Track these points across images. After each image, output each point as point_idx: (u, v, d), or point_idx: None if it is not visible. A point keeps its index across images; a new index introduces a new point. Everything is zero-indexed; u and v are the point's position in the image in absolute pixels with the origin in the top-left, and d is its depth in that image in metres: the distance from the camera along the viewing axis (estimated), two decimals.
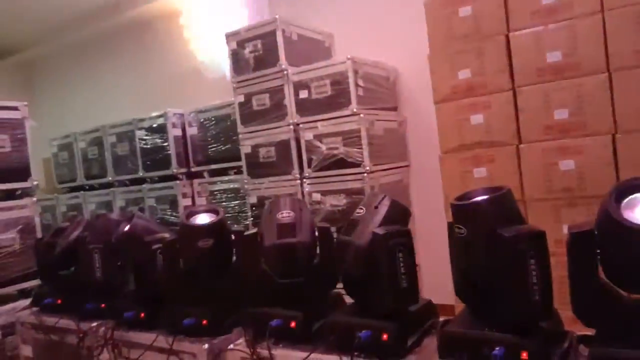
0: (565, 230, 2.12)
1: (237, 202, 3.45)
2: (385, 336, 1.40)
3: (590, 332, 1.16)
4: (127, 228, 2.07)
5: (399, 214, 1.51)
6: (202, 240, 1.83)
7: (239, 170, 3.39)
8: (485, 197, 1.24)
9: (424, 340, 1.46)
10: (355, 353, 1.40)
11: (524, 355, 1.14)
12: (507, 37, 2.42)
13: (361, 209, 1.53)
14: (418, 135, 3.31)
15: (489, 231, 1.19)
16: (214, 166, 3.62)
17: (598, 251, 1.09)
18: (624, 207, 1.04)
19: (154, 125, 3.68)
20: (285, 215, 1.67)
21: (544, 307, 1.15)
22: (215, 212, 1.94)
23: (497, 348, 1.17)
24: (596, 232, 1.09)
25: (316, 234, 1.68)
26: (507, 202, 1.24)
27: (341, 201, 2.89)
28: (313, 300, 1.66)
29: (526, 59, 2.36)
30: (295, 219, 1.64)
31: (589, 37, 2.21)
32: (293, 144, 3.02)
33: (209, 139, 3.63)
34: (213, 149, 3.61)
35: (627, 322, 1.08)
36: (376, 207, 1.50)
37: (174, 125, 3.64)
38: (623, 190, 1.07)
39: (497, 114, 2.46)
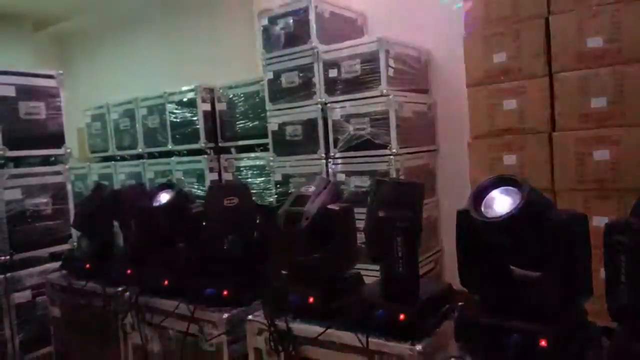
0: (595, 222, 2.07)
1: (262, 179, 3.48)
2: (402, 317, 1.40)
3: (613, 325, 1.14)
4: (166, 199, 2.12)
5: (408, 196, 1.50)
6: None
7: (265, 148, 3.40)
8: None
9: (441, 324, 1.46)
10: (372, 332, 1.41)
11: (543, 342, 1.13)
12: (546, 20, 2.32)
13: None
14: (447, 120, 3.25)
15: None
16: (241, 142, 3.65)
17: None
18: None
19: (184, 100, 3.72)
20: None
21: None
22: (241, 186, 1.96)
23: (516, 335, 1.16)
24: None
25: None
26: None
27: (365, 182, 2.88)
28: (332, 278, 1.67)
29: (565, 43, 2.27)
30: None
31: (633, 22, 2.11)
32: (320, 123, 3.00)
33: (237, 115, 3.64)
34: (241, 125, 3.63)
35: None
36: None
37: (203, 100, 3.66)
38: None
39: (532, 100, 2.39)
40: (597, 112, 2.21)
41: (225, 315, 1.74)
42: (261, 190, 3.45)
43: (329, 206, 1.63)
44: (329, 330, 1.50)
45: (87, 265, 2.43)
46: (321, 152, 3.01)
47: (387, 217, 1.45)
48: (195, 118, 3.67)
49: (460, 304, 1.41)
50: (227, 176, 3.66)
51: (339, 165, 2.96)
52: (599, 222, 2.06)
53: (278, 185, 3.22)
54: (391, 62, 2.84)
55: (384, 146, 2.80)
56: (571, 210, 1.23)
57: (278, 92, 3.18)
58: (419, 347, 1.34)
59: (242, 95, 3.60)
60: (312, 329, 1.53)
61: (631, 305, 1.02)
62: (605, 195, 2.18)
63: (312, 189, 1.73)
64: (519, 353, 1.13)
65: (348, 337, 1.46)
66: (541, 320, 1.16)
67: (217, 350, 1.75)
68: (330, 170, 3.00)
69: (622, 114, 2.17)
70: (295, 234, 1.63)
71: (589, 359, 1.13)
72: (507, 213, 1.16)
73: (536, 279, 1.22)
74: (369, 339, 1.41)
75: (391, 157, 2.78)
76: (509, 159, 2.46)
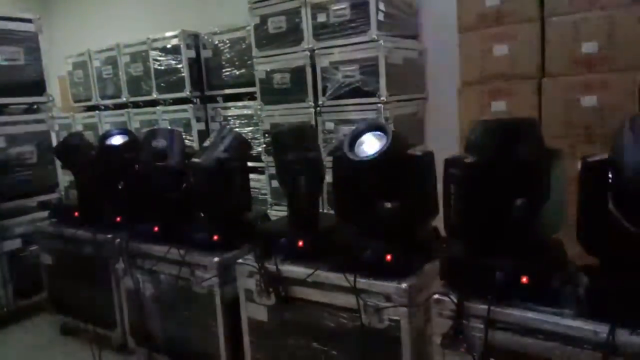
0: (579, 167, 2.10)
1: (250, 128, 3.45)
2: (389, 257, 1.44)
3: (592, 262, 1.18)
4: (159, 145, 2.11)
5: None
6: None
7: (252, 97, 3.35)
8: None
9: (427, 263, 1.50)
10: (359, 272, 1.45)
11: (524, 279, 1.17)
12: None
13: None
14: (438, 67, 3.20)
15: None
16: (228, 91, 3.58)
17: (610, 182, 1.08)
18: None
19: (168, 46, 3.61)
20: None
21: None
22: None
23: (499, 272, 1.19)
24: (610, 162, 1.07)
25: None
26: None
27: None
28: (321, 221, 1.69)
29: None
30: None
31: None
32: (308, 70, 2.95)
33: (224, 63, 3.56)
34: (227, 73, 3.56)
35: (631, 254, 1.08)
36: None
37: (188, 47, 3.56)
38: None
39: (523, 45, 2.36)
40: (587, 57, 2.20)
41: (216, 259, 1.77)
42: (250, 140, 3.42)
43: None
44: (317, 272, 1.54)
45: (76, 214, 2.43)
46: (310, 100, 2.97)
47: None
48: (180, 66, 3.57)
49: (444, 244, 1.44)
50: (214, 126, 3.62)
51: (328, 114, 2.94)
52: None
53: (267, 135, 3.19)
54: (381, 6, 2.76)
55: (373, 94, 2.77)
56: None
57: (265, 38, 3.09)
58: (404, 285, 1.38)
59: (227, 41, 3.50)
60: (301, 271, 1.56)
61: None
62: (591, 140, 2.20)
63: None
64: (502, 288, 1.18)
65: (336, 277, 1.50)
66: (525, 258, 1.19)
67: (208, 292, 1.79)
68: (319, 119, 2.97)
69: (612, 59, 2.15)
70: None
71: (568, 291, 1.17)
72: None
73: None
74: (357, 279, 1.44)
75: (380, 105, 2.75)
76: (498, 106, 2.46)
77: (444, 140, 2.98)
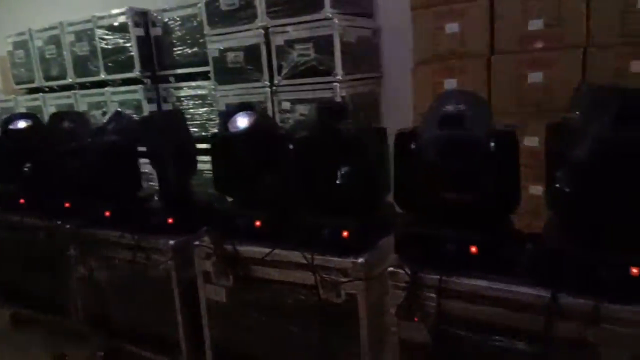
0: (527, 142, 2.18)
1: (205, 109, 3.37)
2: (346, 234, 1.46)
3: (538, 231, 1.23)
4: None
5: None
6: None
7: (206, 76, 3.27)
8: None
9: (383, 238, 1.53)
10: (317, 249, 1.46)
11: (474, 248, 1.21)
12: None
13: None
14: (392, 46, 3.22)
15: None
16: (179, 71, 3.47)
17: None
18: None
19: (115, 24, 3.45)
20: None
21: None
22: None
23: (451, 243, 1.23)
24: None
25: None
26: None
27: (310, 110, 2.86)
28: (281, 200, 1.69)
29: None
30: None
31: None
32: (263, 49, 2.90)
33: (174, 41, 3.44)
34: (179, 52, 3.44)
35: (571, 219, 1.14)
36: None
37: (136, 25, 3.41)
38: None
39: (473, 23, 2.40)
40: (535, 34, 2.26)
41: (172, 242, 1.74)
42: (204, 121, 3.35)
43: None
44: (275, 251, 1.54)
45: (22, 201, 2.32)
46: (265, 79, 2.93)
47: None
48: (128, 44, 3.43)
49: (399, 219, 1.47)
50: (167, 107, 3.51)
51: (284, 94, 2.91)
52: (530, 142, 2.19)
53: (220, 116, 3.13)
54: None
55: (329, 73, 2.76)
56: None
57: (217, 16, 3.01)
58: (360, 260, 1.40)
59: (178, 19, 3.38)
60: (259, 250, 1.56)
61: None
62: (540, 116, 2.28)
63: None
64: (453, 259, 1.22)
65: (294, 255, 1.50)
66: (475, 229, 1.23)
67: (165, 276, 1.76)
68: (275, 98, 2.94)
69: (558, 36, 2.22)
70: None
71: (515, 259, 1.23)
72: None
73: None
74: (314, 256, 1.45)
75: (336, 84, 2.75)
76: (450, 84, 2.50)
77: (399, 118, 3.02)
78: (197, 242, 1.68)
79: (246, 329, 1.63)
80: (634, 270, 1.01)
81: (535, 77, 2.26)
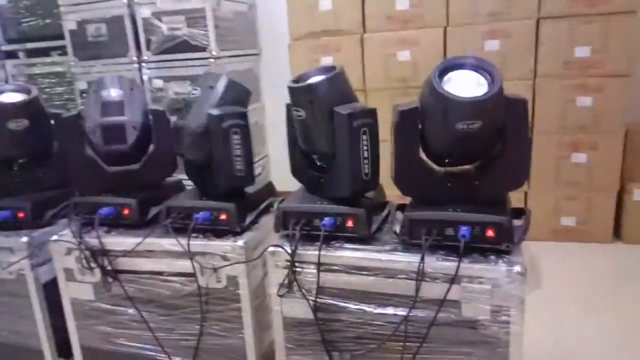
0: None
1: (63, 88, 3.02)
2: (224, 216, 1.40)
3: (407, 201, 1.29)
4: None
5: (238, 94, 1.45)
6: (13, 121, 1.58)
7: (64, 51, 2.93)
8: (322, 77, 1.24)
9: (262, 218, 1.50)
10: (193, 234, 1.39)
11: (350, 222, 1.24)
12: None
13: (196, 89, 1.43)
14: (268, 22, 3.17)
15: (326, 110, 1.20)
16: (30, 45, 3.06)
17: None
18: (445, 82, 1.12)
19: None
20: (113, 93, 1.50)
21: (372, 179, 1.24)
22: (27, 91, 1.67)
23: (327, 218, 1.25)
24: (420, 109, 1.16)
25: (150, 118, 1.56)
26: (341, 82, 1.26)
27: (186, 88, 2.71)
28: (149, 187, 1.57)
29: None
30: (123, 97, 1.48)
31: None
32: (128, 21, 2.67)
33: (22, 12, 3.02)
34: (28, 24, 3.03)
35: (436, 191, 1.21)
36: (211, 87, 1.41)
37: None
38: (444, 69, 1.14)
39: (345, 1, 2.44)
40: (401, 14, 2.37)
41: (25, 239, 1.54)
42: (64, 102, 3.02)
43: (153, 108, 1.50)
44: (148, 239, 1.43)
45: None
46: (132, 55, 2.70)
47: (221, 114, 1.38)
48: None
49: (280, 198, 1.45)
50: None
51: (155, 70, 2.72)
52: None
53: (84, 95, 2.84)
54: None
55: (203, 49, 2.63)
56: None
57: None
58: (240, 242, 1.36)
59: None
60: (128, 241, 1.44)
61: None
62: (407, 92, 2.42)
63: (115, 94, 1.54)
64: (330, 233, 1.23)
65: (169, 243, 1.41)
66: (350, 204, 1.26)
67: (18, 277, 1.56)
68: (144, 76, 2.73)
69: (422, 16, 2.36)
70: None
71: (387, 229, 1.28)
72: None
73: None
74: (191, 242, 1.38)
75: (211, 60, 2.64)
76: (326, 61, 2.53)
77: (280, 95, 3.00)
78: (54, 237, 1.50)
79: (120, 325, 1.51)
80: (490, 232, 1.11)
81: (403, 55, 2.38)
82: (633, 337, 1.88)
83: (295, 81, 1.27)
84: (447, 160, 1.21)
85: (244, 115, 1.38)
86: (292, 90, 1.26)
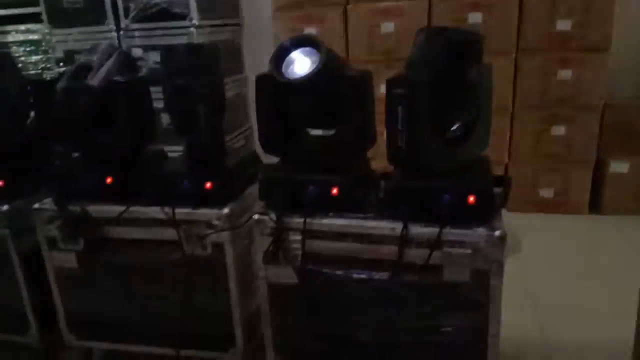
0: (382, 90, 2.30)
1: (39, 56, 2.93)
2: (208, 185, 1.40)
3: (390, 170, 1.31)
4: None
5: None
6: None
7: (39, 19, 2.83)
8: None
9: (247, 188, 1.50)
10: (178, 203, 1.39)
11: (335, 190, 1.25)
12: None
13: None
14: None
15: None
16: (2, 12, 2.95)
17: None
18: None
19: None
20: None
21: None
22: None
23: (312, 186, 1.26)
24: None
25: None
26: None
27: None
28: (132, 155, 1.55)
29: None
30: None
31: None
32: None
33: None
34: None
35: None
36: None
37: None
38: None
39: None
40: None
41: (5, 207, 1.52)
42: (40, 70, 2.93)
43: (116, 78, 1.46)
44: (133, 208, 1.43)
45: None
46: (110, 23, 2.63)
47: (185, 86, 1.38)
48: None
49: (263, 167, 1.45)
50: None
51: (134, 39, 2.65)
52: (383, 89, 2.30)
53: (61, 64, 2.76)
54: None
55: (184, 17, 2.57)
56: (360, 70, 1.31)
57: None
58: (225, 211, 1.37)
59: None
60: (113, 209, 1.43)
61: (405, 149, 1.17)
62: (390, 65, 2.41)
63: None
64: (315, 201, 1.24)
65: (154, 211, 1.41)
66: (334, 172, 1.27)
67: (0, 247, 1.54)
68: (124, 44, 2.67)
69: None
70: (79, 112, 1.44)
71: (371, 197, 1.30)
72: (308, 73, 1.18)
73: (331, 136, 1.31)
74: (176, 210, 1.38)
75: (192, 29, 2.58)
76: (309, 31, 2.51)
77: (262, 67, 2.96)
78: (36, 205, 1.48)
79: (104, 293, 1.51)
80: (471, 199, 1.13)
81: (387, 27, 2.37)
82: (607, 301, 1.96)
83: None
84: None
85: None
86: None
